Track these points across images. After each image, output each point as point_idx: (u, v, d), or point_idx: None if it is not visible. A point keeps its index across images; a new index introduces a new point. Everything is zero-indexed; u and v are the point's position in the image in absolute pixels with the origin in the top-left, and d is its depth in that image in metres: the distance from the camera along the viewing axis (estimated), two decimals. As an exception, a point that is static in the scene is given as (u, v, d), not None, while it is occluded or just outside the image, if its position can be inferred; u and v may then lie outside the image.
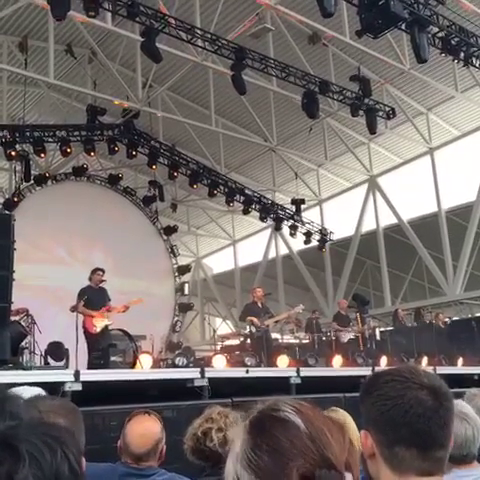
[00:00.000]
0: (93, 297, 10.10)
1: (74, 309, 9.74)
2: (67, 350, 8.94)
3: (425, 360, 12.39)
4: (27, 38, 15.67)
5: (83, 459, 1.74)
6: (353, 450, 1.12)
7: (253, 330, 11.62)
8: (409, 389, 1.47)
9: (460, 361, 12.92)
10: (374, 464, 1.49)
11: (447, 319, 16.36)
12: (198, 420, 2.95)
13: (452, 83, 17.08)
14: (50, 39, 13.72)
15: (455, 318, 18.59)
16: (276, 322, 12.74)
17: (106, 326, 10.05)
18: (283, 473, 1.03)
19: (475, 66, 13.38)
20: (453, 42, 12.60)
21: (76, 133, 17.16)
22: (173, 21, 12.28)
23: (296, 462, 1.03)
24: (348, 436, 1.13)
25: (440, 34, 12.40)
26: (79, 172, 18.39)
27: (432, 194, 19.94)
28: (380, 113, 15.95)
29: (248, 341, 12.06)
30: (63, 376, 7.14)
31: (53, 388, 6.52)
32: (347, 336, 13.35)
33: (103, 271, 10.56)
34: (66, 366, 8.47)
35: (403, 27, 11.57)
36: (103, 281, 10.45)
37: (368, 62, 15.98)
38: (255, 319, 11.57)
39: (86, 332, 9.81)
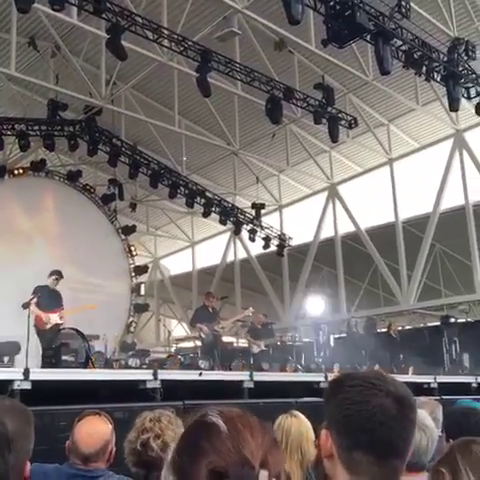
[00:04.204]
0: (47, 297, 10.01)
1: (26, 306, 9.57)
2: (16, 347, 8.75)
3: (377, 368, 12.51)
4: (-11, 29, 15.36)
5: (28, 463, 1.69)
6: (276, 450, 1.22)
7: (203, 336, 11.62)
8: (374, 396, 1.46)
9: (411, 370, 13.10)
10: (332, 464, 1.51)
11: (400, 328, 16.60)
12: (132, 433, 2.89)
13: (413, 96, 17.36)
14: (13, 31, 13.46)
15: (408, 327, 18.89)
16: (233, 323, 12.76)
17: (57, 324, 9.99)
18: (193, 468, 1.11)
19: (436, 81, 13.60)
20: (416, 56, 12.79)
21: (36, 127, 16.89)
22: (140, 20, 12.19)
23: (208, 459, 1.11)
24: (271, 436, 1.21)
25: (403, 47, 12.57)
26: (38, 167, 18.10)
27: (390, 204, 20.23)
28: (342, 122, 16.14)
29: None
30: (12, 374, 6.96)
31: (1, 386, 6.39)
32: (258, 349, 13.44)
33: (61, 276, 10.52)
34: (11, 364, 8.29)
35: (368, 38, 11.72)
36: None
37: (332, 71, 16.17)
38: (204, 327, 11.56)
39: (37, 327, 9.73)
